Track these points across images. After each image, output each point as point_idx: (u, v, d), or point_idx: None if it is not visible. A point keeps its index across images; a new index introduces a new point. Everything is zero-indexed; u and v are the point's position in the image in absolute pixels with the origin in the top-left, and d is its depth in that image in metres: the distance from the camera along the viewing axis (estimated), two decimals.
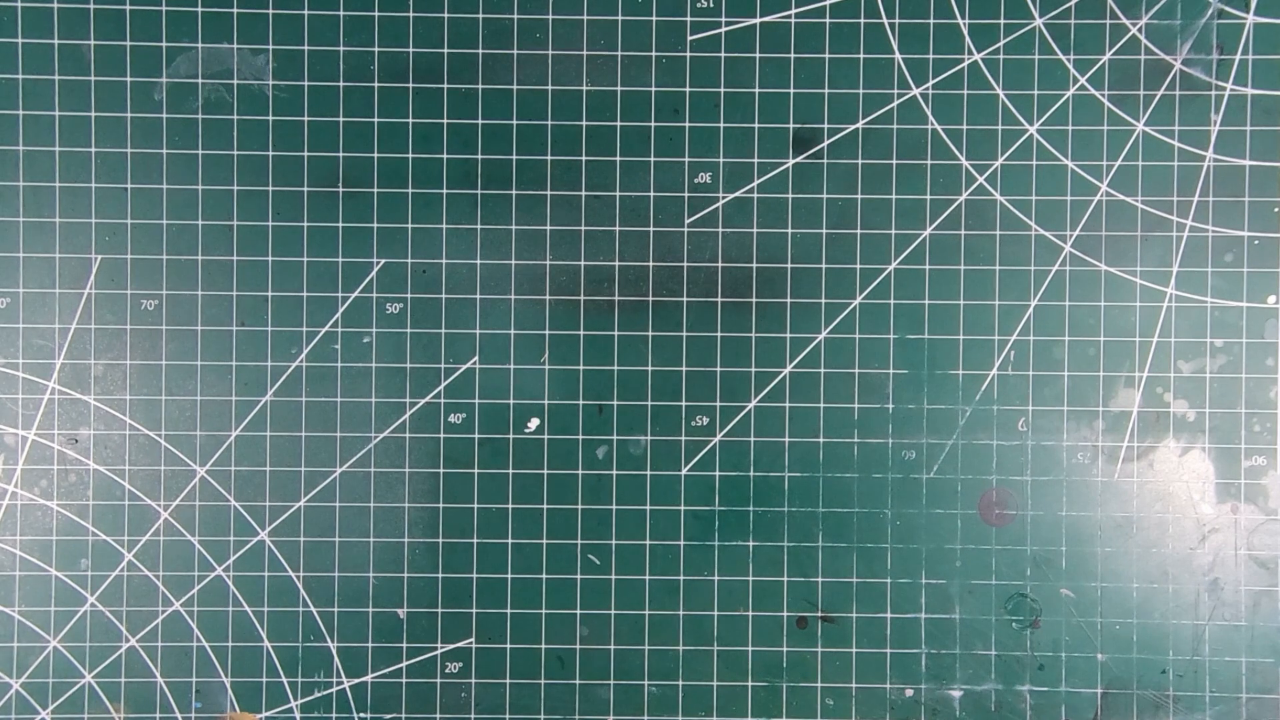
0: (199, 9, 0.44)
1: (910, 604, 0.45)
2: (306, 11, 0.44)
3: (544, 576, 0.45)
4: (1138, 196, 0.44)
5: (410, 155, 0.44)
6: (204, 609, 0.44)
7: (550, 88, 0.44)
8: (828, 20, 0.44)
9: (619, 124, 0.44)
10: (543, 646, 0.45)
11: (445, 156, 0.44)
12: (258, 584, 0.44)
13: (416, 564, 0.44)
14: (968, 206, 0.44)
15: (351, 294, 0.44)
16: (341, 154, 0.44)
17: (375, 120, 0.44)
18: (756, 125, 0.44)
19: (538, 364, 0.45)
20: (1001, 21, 0.44)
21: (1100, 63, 0.44)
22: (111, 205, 0.44)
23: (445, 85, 0.44)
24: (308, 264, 0.44)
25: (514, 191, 0.44)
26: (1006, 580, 0.45)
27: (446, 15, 0.44)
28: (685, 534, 0.45)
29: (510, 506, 0.44)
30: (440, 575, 0.44)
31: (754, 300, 0.44)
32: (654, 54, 0.44)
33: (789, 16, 0.44)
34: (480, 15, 0.44)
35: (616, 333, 0.44)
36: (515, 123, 0.44)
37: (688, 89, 0.44)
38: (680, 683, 0.45)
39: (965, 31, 0.44)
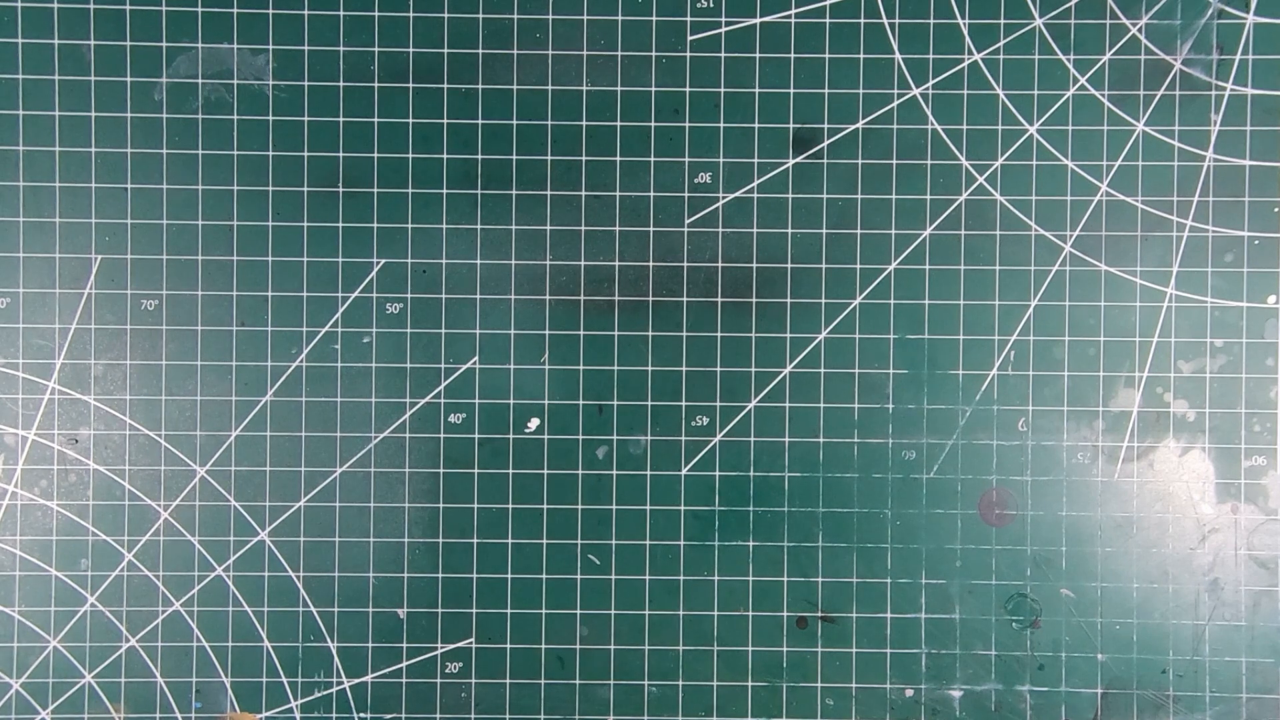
0: (199, 9, 0.44)
1: (910, 604, 0.45)
2: (306, 11, 0.44)
3: (544, 576, 0.45)
4: (1138, 196, 0.44)
5: (410, 155, 0.44)
6: (204, 609, 0.44)
7: (550, 88, 0.44)
8: (828, 20, 0.44)
9: (619, 124, 0.44)
10: (543, 646, 0.45)
11: (445, 156, 0.44)
12: (258, 584, 0.44)
13: (416, 564, 0.44)
14: (968, 206, 0.44)
15: (351, 294, 0.44)
16: (341, 154, 0.44)
17: (375, 120, 0.44)
18: (756, 125, 0.44)
19: (538, 364, 0.45)
20: (1001, 21, 0.44)
21: (1100, 63, 0.44)
22: (111, 205, 0.44)
23: (445, 85, 0.44)
24: (308, 264, 0.44)
25: (514, 191, 0.44)
26: (1006, 580, 0.45)
27: (446, 15, 0.44)
28: (685, 534, 0.45)
29: (510, 506, 0.44)
30: (440, 575, 0.44)
31: (754, 300, 0.44)
32: (654, 54, 0.44)
33: (789, 16, 0.44)
34: (480, 15, 0.44)
35: (616, 333, 0.44)
36: (515, 123, 0.44)
37: (688, 89, 0.44)
38: (680, 683, 0.45)
39: (965, 31, 0.44)
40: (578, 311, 0.45)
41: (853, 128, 0.44)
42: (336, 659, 0.44)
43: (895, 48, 0.44)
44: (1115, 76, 0.44)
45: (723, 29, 0.44)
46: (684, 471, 0.45)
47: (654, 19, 0.44)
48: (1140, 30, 0.44)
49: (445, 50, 0.44)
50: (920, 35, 0.44)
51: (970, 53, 0.44)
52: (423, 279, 0.44)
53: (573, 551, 0.45)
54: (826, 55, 0.44)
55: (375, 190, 0.44)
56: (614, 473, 0.45)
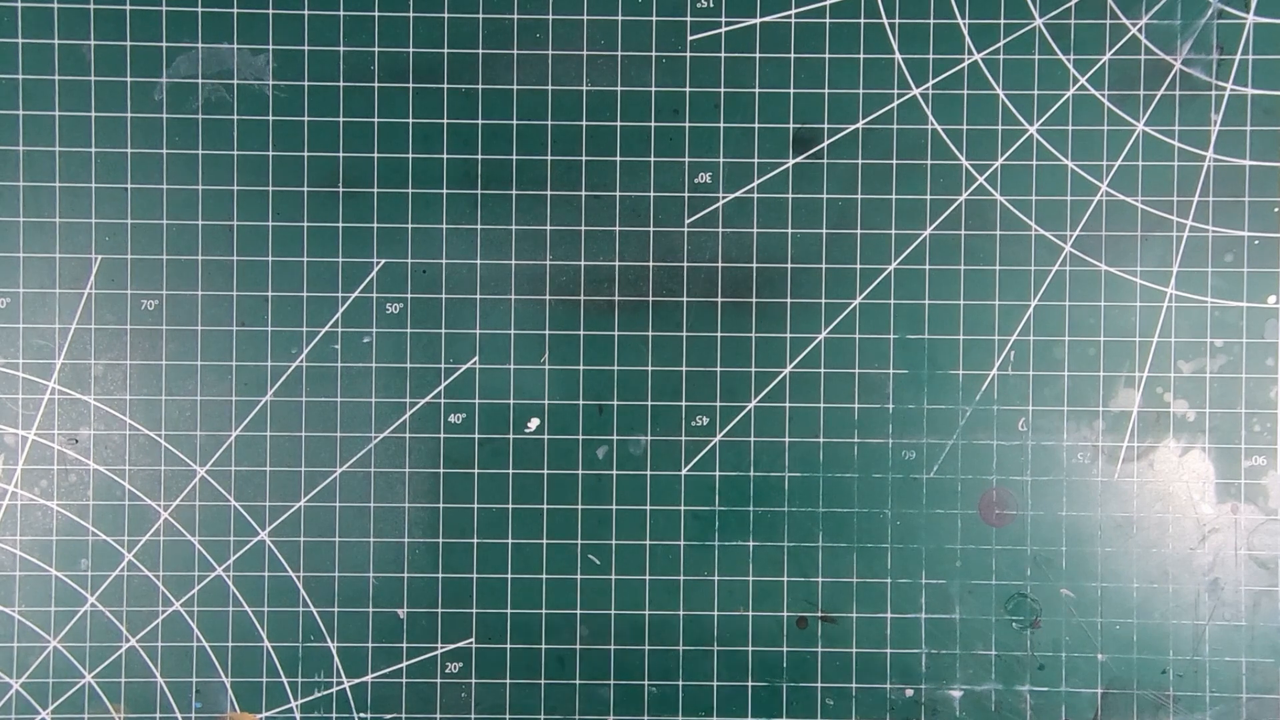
0: (199, 9, 0.44)
1: (910, 604, 0.45)
2: (306, 11, 0.44)
3: (544, 576, 0.45)
4: (1138, 196, 0.44)
5: (410, 155, 0.44)
6: (204, 609, 0.44)
7: (550, 88, 0.44)
8: (828, 20, 0.44)
9: (619, 124, 0.44)
10: (543, 646, 0.45)
11: (445, 156, 0.44)
12: (258, 584, 0.44)
13: (416, 564, 0.44)
14: (968, 206, 0.44)
15: (351, 294, 0.44)
16: (341, 154, 0.44)
17: (375, 120, 0.44)
18: (756, 125, 0.44)
19: (538, 364, 0.45)
20: (1001, 21, 0.44)
21: (1100, 63, 0.44)
22: (111, 205, 0.44)
23: (445, 85, 0.44)
24: (308, 264, 0.44)
25: (514, 191, 0.44)
26: (1006, 580, 0.45)
27: (446, 15, 0.44)
28: (685, 534, 0.45)
29: (510, 506, 0.44)
30: (440, 575, 0.44)
31: (754, 300, 0.44)
32: (654, 54, 0.44)
33: (789, 16, 0.44)
34: (480, 15, 0.44)
35: (616, 333, 0.44)
36: (515, 123, 0.44)
37: (688, 89, 0.44)
38: (680, 683, 0.45)
39: (965, 31, 0.44)
40: (578, 311, 0.45)
41: (853, 128, 0.44)
42: (336, 659, 0.44)
43: (895, 48, 0.44)
44: (1115, 76, 0.44)
45: (723, 29, 0.44)
46: (684, 471, 0.45)
47: (654, 19, 0.44)
48: (1140, 30, 0.44)
49: (445, 50, 0.44)
50: (920, 35, 0.44)
51: (970, 53, 0.44)
52: (423, 279, 0.44)
53: (573, 551, 0.45)
54: (826, 55, 0.44)
55: (375, 190, 0.44)
56: (614, 473, 0.45)
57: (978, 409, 0.44)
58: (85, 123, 0.44)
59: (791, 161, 0.44)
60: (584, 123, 0.44)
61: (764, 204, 0.44)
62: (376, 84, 0.44)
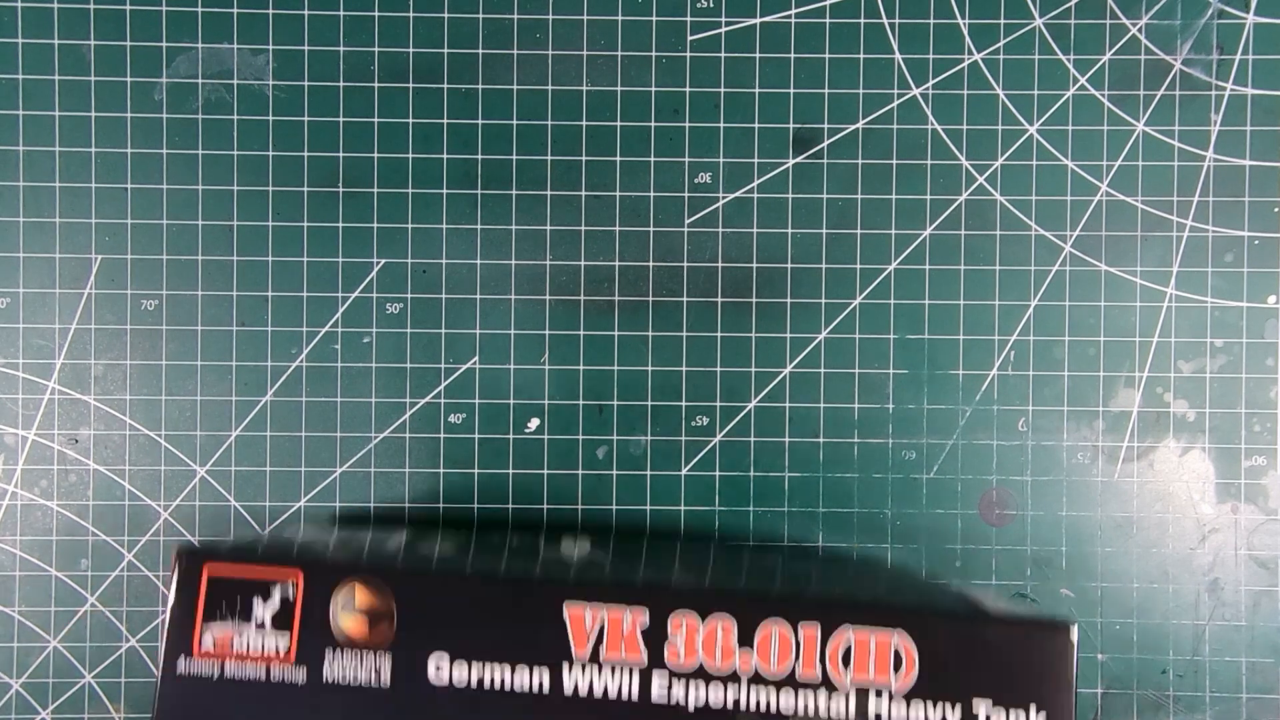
0: (199, 9, 0.44)
1: None
2: (306, 11, 0.44)
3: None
4: (1138, 196, 0.44)
5: (410, 155, 0.44)
6: None
7: (550, 88, 0.44)
8: (828, 20, 0.44)
9: (619, 124, 0.44)
10: None
11: (445, 156, 0.44)
12: None
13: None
14: (968, 206, 0.44)
15: (351, 294, 0.44)
16: (341, 154, 0.44)
17: (375, 120, 0.44)
18: (756, 125, 0.44)
19: (538, 364, 0.45)
20: (1001, 21, 0.44)
21: (1100, 63, 0.44)
22: (111, 205, 0.44)
23: (445, 85, 0.44)
24: (308, 264, 0.44)
25: (514, 191, 0.44)
26: (1006, 580, 0.45)
27: (446, 15, 0.44)
28: (684, 534, 0.45)
29: (510, 507, 0.44)
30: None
31: (754, 300, 0.44)
32: (654, 54, 0.44)
33: (789, 16, 0.44)
34: (480, 15, 0.44)
35: (616, 333, 0.44)
36: (515, 123, 0.44)
37: (688, 89, 0.44)
38: None
39: (965, 31, 0.44)
40: (578, 311, 0.45)
41: (853, 128, 0.44)
42: None
43: (895, 48, 0.44)
44: (1115, 76, 0.44)
45: (723, 29, 0.44)
46: (684, 472, 0.45)
47: (654, 19, 0.44)
48: (1140, 30, 0.44)
49: (445, 50, 0.44)
50: (920, 35, 0.44)
51: (970, 53, 0.44)
52: (423, 279, 0.44)
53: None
54: (826, 55, 0.44)
55: (375, 190, 0.44)
56: (614, 473, 0.45)
57: (978, 409, 0.44)
58: (85, 123, 0.44)
59: (791, 161, 0.44)
60: (584, 123, 0.44)
61: (764, 204, 0.44)
62: (376, 84, 0.44)
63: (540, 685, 0.31)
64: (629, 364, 0.44)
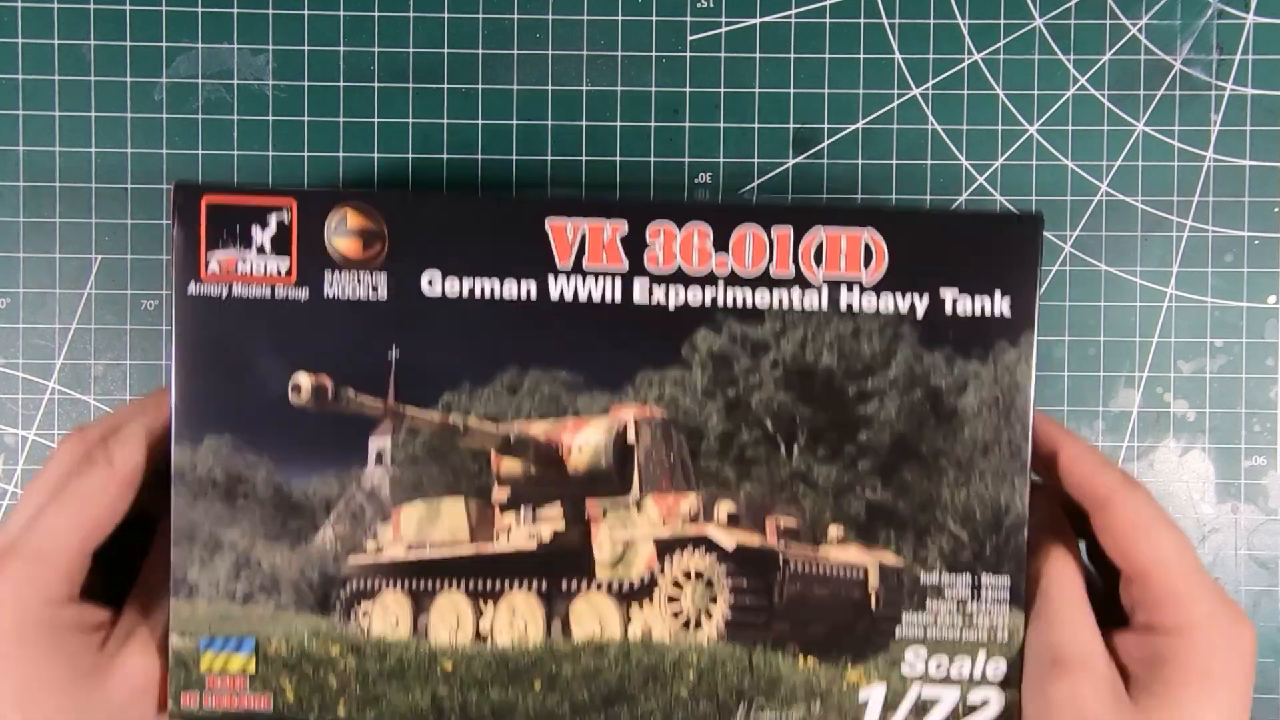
0: (199, 9, 0.44)
1: None
2: (306, 11, 0.44)
3: None
4: (1138, 196, 0.44)
5: (410, 155, 0.44)
6: None
7: (550, 88, 0.44)
8: (828, 20, 0.44)
9: (619, 124, 0.44)
10: None
11: (445, 157, 0.44)
12: None
13: None
14: (968, 207, 0.44)
15: None
16: (341, 154, 0.44)
17: (375, 120, 0.44)
18: (756, 125, 0.44)
19: None
20: (1001, 21, 0.44)
21: (1100, 63, 0.44)
22: (111, 205, 0.44)
23: (445, 85, 0.44)
24: None
25: (514, 192, 0.44)
26: None
27: (446, 15, 0.44)
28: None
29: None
30: None
31: None
32: (654, 54, 0.44)
33: (789, 16, 0.44)
34: (480, 15, 0.44)
35: None
36: (515, 123, 0.44)
37: (688, 89, 0.44)
38: None
39: (965, 31, 0.44)
40: None
41: (853, 128, 0.44)
42: None
43: (895, 48, 0.44)
44: (1115, 76, 0.44)
45: (723, 29, 0.44)
46: None
47: (654, 19, 0.44)
48: (1140, 30, 0.44)
49: (445, 50, 0.44)
50: (920, 35, 0.44)
51: (970, 53, 0.44)
52: None
53: None
54: (826, 55, 0.44)
55: (375, 190, 0.44)
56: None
57: None
58: (85, 123, 0.44)
59: (791, 161, 0.44)
60: (584, 123, 0.44)
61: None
62: (376, 84, 0.44)
63: (528, 294, 0.33)
64: None
